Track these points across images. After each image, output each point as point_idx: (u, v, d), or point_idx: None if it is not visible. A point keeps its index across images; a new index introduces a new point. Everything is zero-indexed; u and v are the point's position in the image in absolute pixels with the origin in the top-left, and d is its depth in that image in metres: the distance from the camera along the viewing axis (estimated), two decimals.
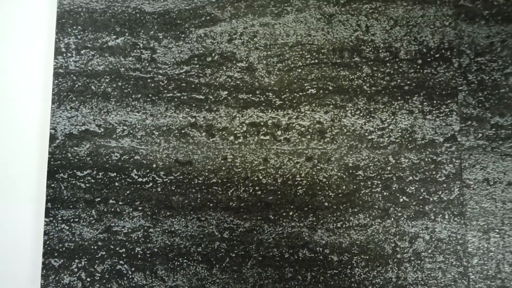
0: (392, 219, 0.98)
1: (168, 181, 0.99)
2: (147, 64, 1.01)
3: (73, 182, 0.98)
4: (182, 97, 1.00)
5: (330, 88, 1.02)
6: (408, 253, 0.97)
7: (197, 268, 0.97)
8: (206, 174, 0.99)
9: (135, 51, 1.01)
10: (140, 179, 0.99)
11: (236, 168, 0.99)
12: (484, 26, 1.05)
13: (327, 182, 0.99)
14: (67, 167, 0.99)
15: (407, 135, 1.01)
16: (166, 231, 0.98)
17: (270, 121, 1.00)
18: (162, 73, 1.01)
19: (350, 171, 1.00)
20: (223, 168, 0.99)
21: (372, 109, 1.01)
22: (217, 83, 1.01)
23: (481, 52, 1.05)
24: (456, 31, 1.05)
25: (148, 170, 0.99)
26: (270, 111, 1.00)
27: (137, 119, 1.00)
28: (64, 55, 1.01)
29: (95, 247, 0.97)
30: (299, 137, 1.00)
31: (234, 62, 1.01)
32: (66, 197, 0.98)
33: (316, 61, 1.02)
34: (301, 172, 0.99)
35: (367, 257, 0.97)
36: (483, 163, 1.02)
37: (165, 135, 1.00)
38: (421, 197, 0.99)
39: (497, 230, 0.99)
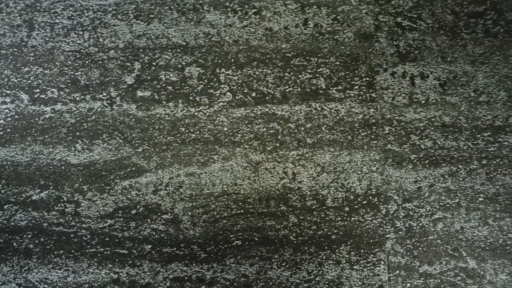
0: None
1: None
2: (70, 219, 1.01)
3: None
4: (105, 252, 1.00)
5: (256, 239, 1.02)
6: None
7: None
8: None
9: (59, 205, 1.02)
10: None
11: None
12: (412, 171, 1.06)
13: None
14: None
15: (334, 287, 1.00)
16: None
17: (195, 275, 1.00)
18: (85, 228, 1.01)
19: None
20: None
21: (298, 260, 1.01)
22: (141, 237, 1.01)
23: (409, 197, 1.05)
24: (384, 176, 1.06)
25: None
26: (194, 264, 1.00)
27: (59, 277, 0.99)
28: None
29: None
30: None
31: (159, 214, 1.02)
32: None
33: (242, 211, 1.03)
34: None
35: None
36: None
37: None
38: None
39: None
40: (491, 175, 1.07)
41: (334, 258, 1.02)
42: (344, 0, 1.12)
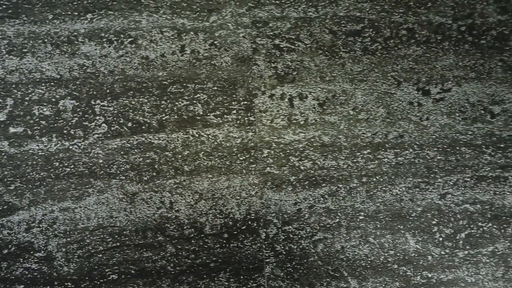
0: None
1: None
2: None
3: None
4: None
5: (133, 272, 1.01)
6: None
7: None
8: None
9: None
10: None
11: None
12: (291, 193, 1.07)
13: None
14: None
15: None
16: None
17: None
18: None
19: None
20: None
21: None
22: (13, 277, 1.00)
23: (289, 220, 1.06)
24: (263, 200, 1.06)
25: None
26: None
27: None
28: None
29: None
30: None
31: (31, 252, 1.00)
32: None
33: (118, 244, 1.02)
34: None
35: None
36: None
37: None
38: None
39: None
40: (371, 193, 1.08)
41: (213, 287, 1.02)
42: (221, 25, 1.12)
